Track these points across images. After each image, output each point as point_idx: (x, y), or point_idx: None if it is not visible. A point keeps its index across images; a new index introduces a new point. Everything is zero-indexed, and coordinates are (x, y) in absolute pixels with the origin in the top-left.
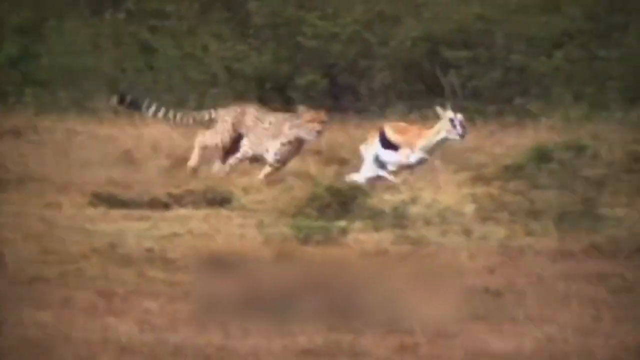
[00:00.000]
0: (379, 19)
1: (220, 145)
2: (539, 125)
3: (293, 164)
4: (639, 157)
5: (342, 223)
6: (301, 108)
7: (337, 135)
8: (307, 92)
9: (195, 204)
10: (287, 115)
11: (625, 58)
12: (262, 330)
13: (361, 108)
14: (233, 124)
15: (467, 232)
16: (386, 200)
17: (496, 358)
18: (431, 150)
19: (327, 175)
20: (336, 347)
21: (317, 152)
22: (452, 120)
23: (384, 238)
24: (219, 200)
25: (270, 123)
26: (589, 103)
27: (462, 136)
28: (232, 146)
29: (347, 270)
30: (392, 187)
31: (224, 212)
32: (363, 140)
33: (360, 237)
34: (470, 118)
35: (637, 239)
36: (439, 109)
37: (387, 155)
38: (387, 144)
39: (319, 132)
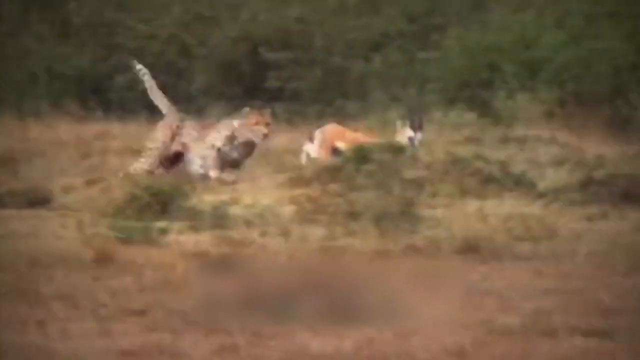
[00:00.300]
0: (197, 21)
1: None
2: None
3: (114, 164)
4: (457, 159)
5: (162, 223)
6: (245, 110)
7: None
8: (125, 93)
9: (17, 204)
10: (231, 119)
11: (444, 60)
12: (83, 331)
13: (181, 109)
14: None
15: (286, 233)
16: (206, 200)
17: (315, 359)
18: None
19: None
20: (156, 348)
21: (136, 152)
22: (411, 139)
23: (205, 239)
24: (40, 200)
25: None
26: (408, 105)
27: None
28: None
29: (168, 270)
30: (212, 188)
31: (44, 212)
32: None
33: (181, 238)
34: (290, 120)
35: (456, 240)
36: (398, 124)
37: None
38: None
39: (265, 135)
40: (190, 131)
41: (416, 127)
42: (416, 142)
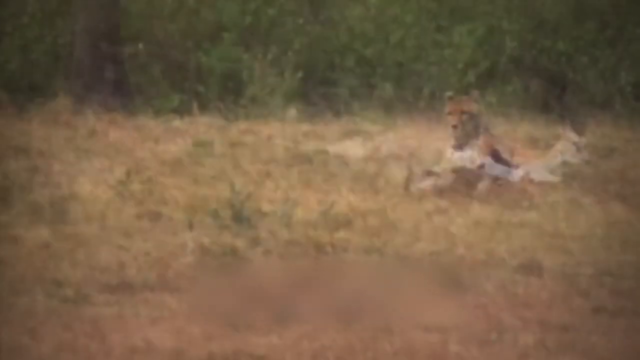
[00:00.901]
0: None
1: None
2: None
3: None
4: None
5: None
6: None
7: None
8: None
9: None
10: None
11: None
12: None
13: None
14: None
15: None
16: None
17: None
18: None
19: None
20: None
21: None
22: (576, 144)
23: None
24: None
25: None
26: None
27: (588, 162)
28: None
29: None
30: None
31: None
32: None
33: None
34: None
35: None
36: (560, 129)
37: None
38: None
39: (454, 127)
40: None
41: (581, 131)
42: (582, 147)
